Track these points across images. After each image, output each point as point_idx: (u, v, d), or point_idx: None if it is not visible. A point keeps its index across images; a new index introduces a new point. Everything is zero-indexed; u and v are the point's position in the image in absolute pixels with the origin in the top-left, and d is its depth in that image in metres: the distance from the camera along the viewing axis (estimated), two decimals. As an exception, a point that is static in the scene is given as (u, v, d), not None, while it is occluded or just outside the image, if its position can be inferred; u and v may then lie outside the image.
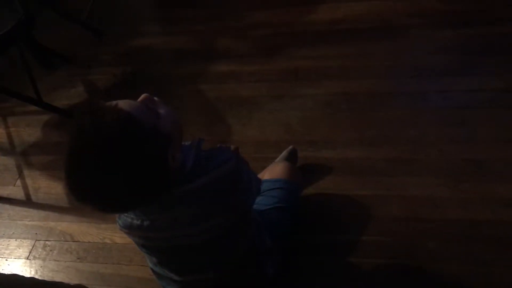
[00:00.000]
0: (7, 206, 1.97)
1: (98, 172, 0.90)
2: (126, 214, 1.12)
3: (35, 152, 2.16)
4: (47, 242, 1.81)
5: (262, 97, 2.08)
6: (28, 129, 2.26)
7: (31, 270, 1.74)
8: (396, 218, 1.57)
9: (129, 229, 1.13)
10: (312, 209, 1.66)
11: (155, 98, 1.03)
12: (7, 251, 1.81)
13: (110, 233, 1.77)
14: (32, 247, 1.80)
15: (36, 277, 1.70)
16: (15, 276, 1.51)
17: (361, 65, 2.09)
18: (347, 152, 1.79)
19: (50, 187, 1.99)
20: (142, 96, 1.00)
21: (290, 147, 1.76)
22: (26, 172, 2.08)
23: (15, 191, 2.02)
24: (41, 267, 1.73)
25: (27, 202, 1.97)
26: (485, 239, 1.47)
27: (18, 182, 2.05)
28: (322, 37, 2.26)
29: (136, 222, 1.10)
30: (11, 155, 2.18)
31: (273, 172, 1.61)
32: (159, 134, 0.96)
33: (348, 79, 2.04)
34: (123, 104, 0.94)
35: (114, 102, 0.93)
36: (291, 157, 1.73)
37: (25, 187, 2.03)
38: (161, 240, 1.14)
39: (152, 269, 1.34)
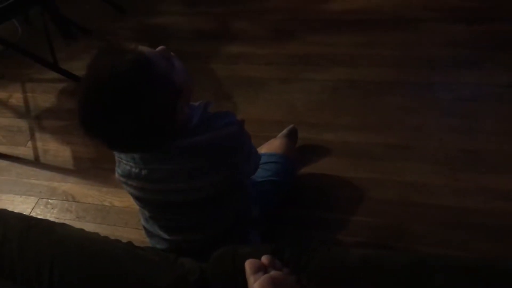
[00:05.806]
0: (16, 164, 2.04)
1: (109, 109, 0.96)
2: (125, 162, 1.16)
3: (48, 117, 2.23)
4: (49, 200, 1.87)
5: (271, 79, 2.10)
6: (44, 95, 2.34)
7: (31, 225, 1.79)
8: (388, 201, 1.58)
9: (126, 177, 1.18)
10: (305, 186, 1.68)
11: (172, 53, 1.09)
12: (11, 206, 1.87)
13: (110, 197, 1.82)
14: (35, 204, 1.87)
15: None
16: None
17: (371, 54, 2.09)
18: (347, 136, 1.80)
19: (59, 150, 2.06)
20: (160, 47, 1.07)
21: (291, 125, 1.78)
22: (37, 135, 2.15)
23: (25, 151, 2.09)
24: (41, 222, 1.79)
25: (36, 162, 2.04)
26: (474, 228, 1.47)
27: (29, 144, 2.12)
28: (336, 25, 2.27)
29: (135, 170, 1.15)
30: (25, 118, 2.25)
31: (270, 146, 1.64)
32: (171, 83, 1.02)
33: (357, 67, 2.05)
34: (142, 48, 1.01)
35: (133, 45, 1.00)
36: (291, 135, 1.74)
37: (35, 148, 2.10)
38: (156, 193, 1.18)
39: (144, 226, 1.38)
